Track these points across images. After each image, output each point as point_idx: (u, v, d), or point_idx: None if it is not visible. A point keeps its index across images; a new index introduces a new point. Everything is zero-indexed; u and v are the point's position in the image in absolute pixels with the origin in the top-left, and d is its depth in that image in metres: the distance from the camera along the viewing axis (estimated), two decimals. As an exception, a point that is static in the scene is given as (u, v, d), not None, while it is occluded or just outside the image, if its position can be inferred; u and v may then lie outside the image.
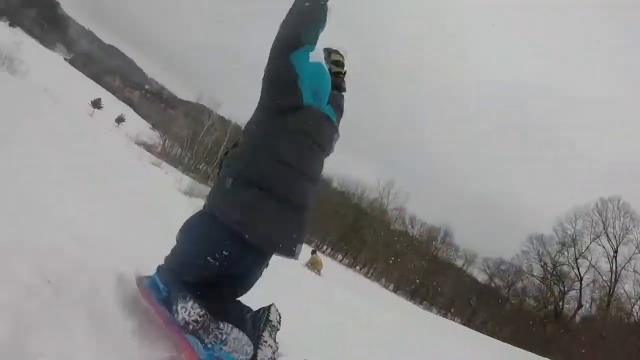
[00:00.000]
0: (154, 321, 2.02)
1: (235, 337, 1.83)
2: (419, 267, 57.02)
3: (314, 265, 16.67)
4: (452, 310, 55.49)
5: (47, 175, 3.39)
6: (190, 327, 1.83)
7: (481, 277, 60.34)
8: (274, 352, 1.93)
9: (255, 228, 1.86)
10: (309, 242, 44.52)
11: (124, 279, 2.22)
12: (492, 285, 57.53)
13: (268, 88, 2.06)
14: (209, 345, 1.81)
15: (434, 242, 63.14)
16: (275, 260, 2.10)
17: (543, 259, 49.42)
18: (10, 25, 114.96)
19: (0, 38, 26.41)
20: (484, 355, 8.56)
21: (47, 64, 66.44)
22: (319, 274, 15.80)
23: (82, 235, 2.50)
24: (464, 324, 37.04)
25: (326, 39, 2.23)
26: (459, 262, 63.30)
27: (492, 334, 34.18)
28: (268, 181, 1.91)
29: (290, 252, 2.01)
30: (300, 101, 1.99)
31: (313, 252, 18.45)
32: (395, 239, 59.71)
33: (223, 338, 1.82)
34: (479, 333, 22.64)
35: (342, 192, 65.21)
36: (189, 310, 1.84)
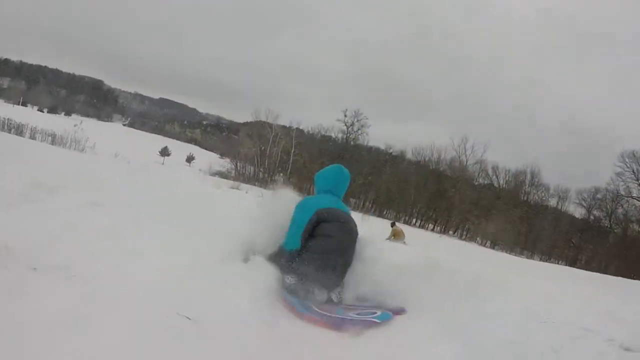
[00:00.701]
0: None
1: (316, 287, 3.01)
2: (513, 216, 53.82)
3: (395, 237, 16.76)
4: (554, 253, 52.41)
5: (142, 226, 3.55)
6: (292, 287, 2.96)
7: (578, 212, 56.95)
8: (339, 292, 3.15)
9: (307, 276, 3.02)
10: (397, 218, 44.15)
11: (245, 297, 2.52)
12: (592, 218, 54.09)
13: None
14: (303, 298, 2.88)
15: (522, 187, 60.26)
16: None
17: (640, 176, 45.14)
18: (66, 114, 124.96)
19: (62, 127, 28.90)
20: (587, 290, 8.20)
21: (109, 134, 71.40)
22: (404, 244, 15.42)
23: (194, 268, 2.72)
24: (568, 266, 35.61)
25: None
26: (553, 202, 60.17)
27: (600, 270, 32.24)
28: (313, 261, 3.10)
29: (323, 287, 3.12)
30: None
31: (392, 225, 18.51)
32: (482, 193, 57.88)
33: (310, 290, 2.98)
34: (585, 271, 21.59)
35: (417, 162, 63.93)
36: (290, 279, 3.00)
